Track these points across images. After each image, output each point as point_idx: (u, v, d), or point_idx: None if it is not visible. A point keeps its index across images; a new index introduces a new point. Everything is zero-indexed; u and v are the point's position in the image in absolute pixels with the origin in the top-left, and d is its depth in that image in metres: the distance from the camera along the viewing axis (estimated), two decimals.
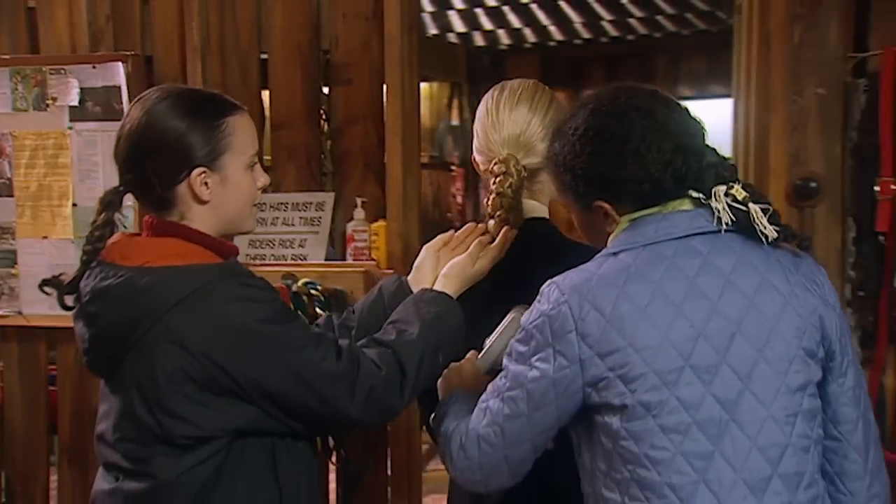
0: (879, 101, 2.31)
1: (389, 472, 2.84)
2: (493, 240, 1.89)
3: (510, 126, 1.87)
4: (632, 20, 6.10)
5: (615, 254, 1.55)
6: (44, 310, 3.03)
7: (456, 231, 1.98)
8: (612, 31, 6.30)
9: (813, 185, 2.35)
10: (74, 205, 3.00)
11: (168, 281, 1.60)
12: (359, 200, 2.86)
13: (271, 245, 2.97)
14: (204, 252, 1.67)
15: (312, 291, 2.70)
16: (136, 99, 1.72)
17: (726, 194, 1.53)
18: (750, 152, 2.54)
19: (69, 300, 1.73)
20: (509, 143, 1.87)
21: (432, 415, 1.82)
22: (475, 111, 2.04)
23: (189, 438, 1.61)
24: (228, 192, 1.69)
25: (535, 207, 1.91)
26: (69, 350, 3.11)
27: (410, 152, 2.78)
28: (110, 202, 1.72)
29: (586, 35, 6.37)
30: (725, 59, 6.36)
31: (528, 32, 6.43)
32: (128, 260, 1.64)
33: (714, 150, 1.59)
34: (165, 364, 1.57)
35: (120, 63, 2.94)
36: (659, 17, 6.09)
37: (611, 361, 1.49)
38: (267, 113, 3.10)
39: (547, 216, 1.94)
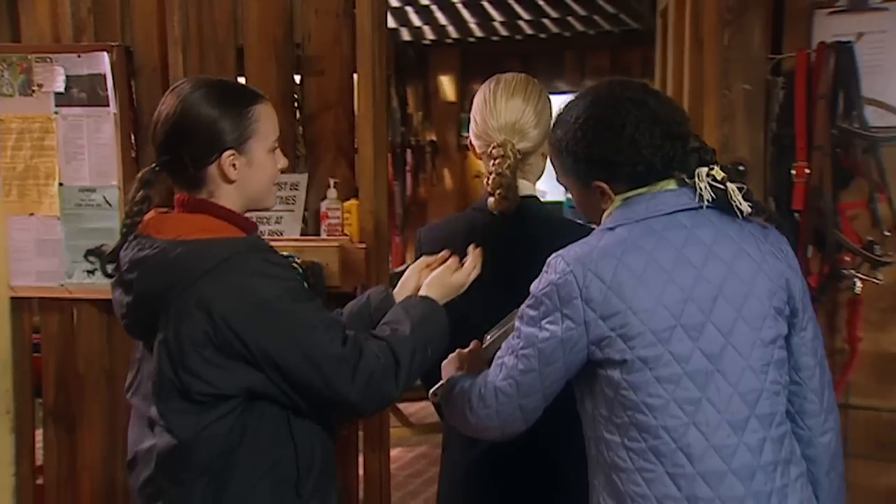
0: (794, 96, 2.53)
1: (361, 431, 3.03)
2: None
3: (506, 114, 2.05)
4: (545, 20, 6.34)
5: (612, 228, 1.66)
6: (29, 281, 3.13)
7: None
8: (528, 30, 6.52)
9: (741, 168, 2.53)
10: (61, 184, 3.09)
11: (198, 252, 1.69)
12: (331, 181, 3.01)
13: None
14: (230, 227, 1.77)
15: (293, 264, 2.86)
16: (170, 89, 1.82)
17: (707, 175, 1.64)
18: None
19: (110, 268, 1.82)
20: (505, 130, 2.04)
21: (433, 387, 1.98)
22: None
23: (206, 396, 1.69)
24: (253, 172, 1.80)
25: (527, 186, 2.09)
26: (53, 319, 3.21)
27: (380, 137, 2.95)
28: (147, 181, 1.80)
29: (504, 32, 6.58)
30: (626, 57, 6.73)
31: (451, 29, 6.62)
32: (162, 233, 1.74)
33: (696, 136, 1.69)
34: (191, 327, 1.66)
35: (105, 53, 3.04)
36: (570, 18, 6.35)
37: (612, 322, 1.59)
38: None
39: (534, 192, 2.13)
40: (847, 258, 2.51)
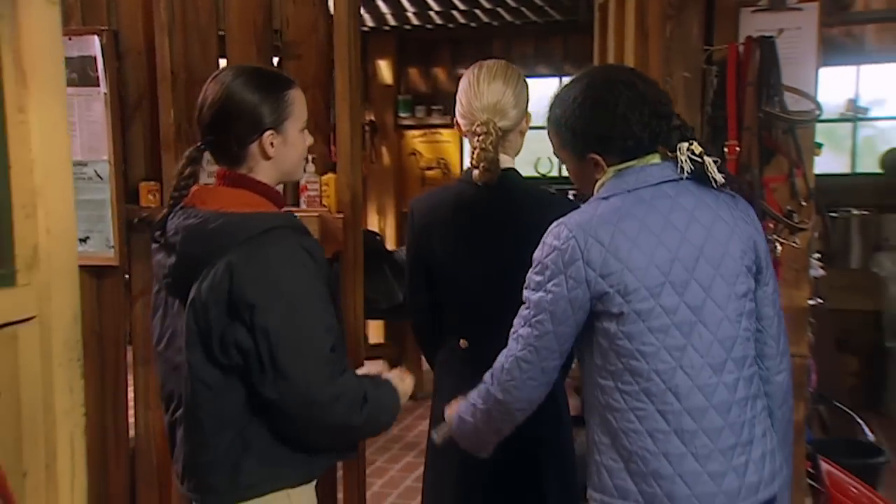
0: (726, 83, 2.75)
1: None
2: None
3: (489, 96, 2.26)
4: (477, 10, 6.55)
5: (606, 198, 1.80)
6: None
7: None
8: (460, 19, 6.72)
9: None
10: None
11: (237, 224, 1.81)
12: (309, 157, 3.18)
13: None
14: (266, 202, 1.89)
15: None
16: (212, 77, 1.94)
17: (688, 149, 1.79)
18: None
19: (157, 236, 1.94)
20: (488, 110, 2.25)
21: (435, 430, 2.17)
22: None
23: (222, 348, 1.79)
24: (288, 149, 1.92)
25: (507, 160, 2.31)
26: None
27: (356, 116, 3.12)
28: (194, 158, 1.93)
29: (438, 21, 6.77)
30: (549, 45, 6.98)
31: (389, 17, 6.79)
32: (206, 205, 1.86)
33: (678, 115, 1.85)
34: (217, 286, 1.77)
35: (96, 36, 3.15)
36: (499, 9, 6.58)
37: (611, 280, 1.72)
38: None
39: (513, 165, 2.34)
40: (770, 225, 2.72)
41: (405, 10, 6.54)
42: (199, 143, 1.94)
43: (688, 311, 1.75)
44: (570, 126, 1.87)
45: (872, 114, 7.07)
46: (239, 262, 1.76)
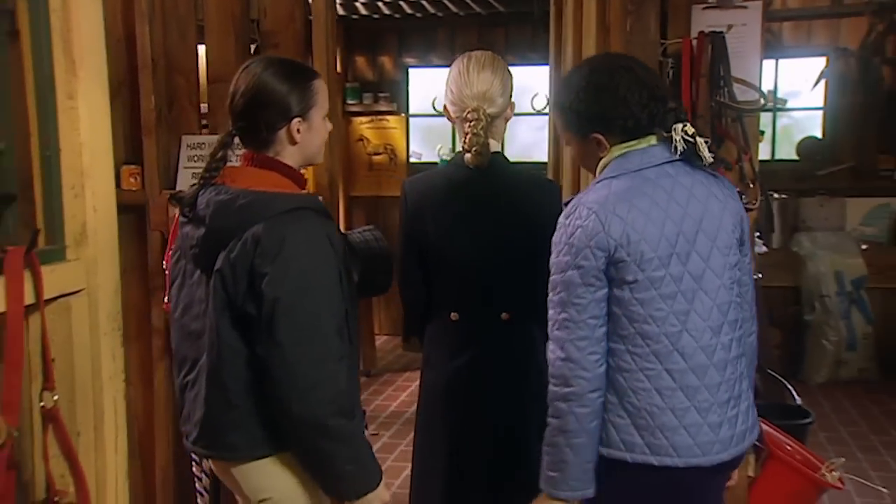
0: (681, 75, 2.90)
1: None
2: None
3: (478, 85, 2.37)
4: (423, 1, 6.64)
5: (615, 177, 1.90)
6: None
7: None
8: (407, 9, 6.80)
9: None
10: None
11: (265, 201, 1.89)
12: None
13: None
14: (290, 184, 1.98)
15: None
16: (243, 67, 2.01)
17: (682, 129, 1.90)
18: None
19: (186, 211, 2.01)
20: (478, 98, 2.36)
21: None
22: None
23: (240, 313, 1.88)
24: (312, 135, 2.01)
25: (494, 144, 2.43)
26: None
27: (333, 102, 3.22)
28: (226, 143, 2.00)
29: (386, 11, 6.84)
30: (491, 35, 7.11)
31: (337, 6, 6.81)
32: (236, 183, 1.95)
33: (672, 98, 1.97)
34: (242, 255, 1.85)
35: None
36: (444, 0, 6.68)
37: (628, 249, 1.83)
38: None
39: (500, 149, 2.46)
40: None
41: (354, 0, 6.59)
42: (230, 129, 2.01)
43: (691, 280, 1.88)
44: (574, 108, 1.97)
45: (789, 105, 7.38)
46: (263, 235, 1.85)
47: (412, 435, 2.65)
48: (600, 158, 1.99)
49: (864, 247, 6.21)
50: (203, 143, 3.30)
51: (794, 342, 6.12)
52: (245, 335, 1.90)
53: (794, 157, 7.08)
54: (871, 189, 6.59)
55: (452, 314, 2.45)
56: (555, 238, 1.91)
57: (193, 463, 3.18)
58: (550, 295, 1.92)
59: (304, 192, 2.03)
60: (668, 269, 1.86)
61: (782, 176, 6.60)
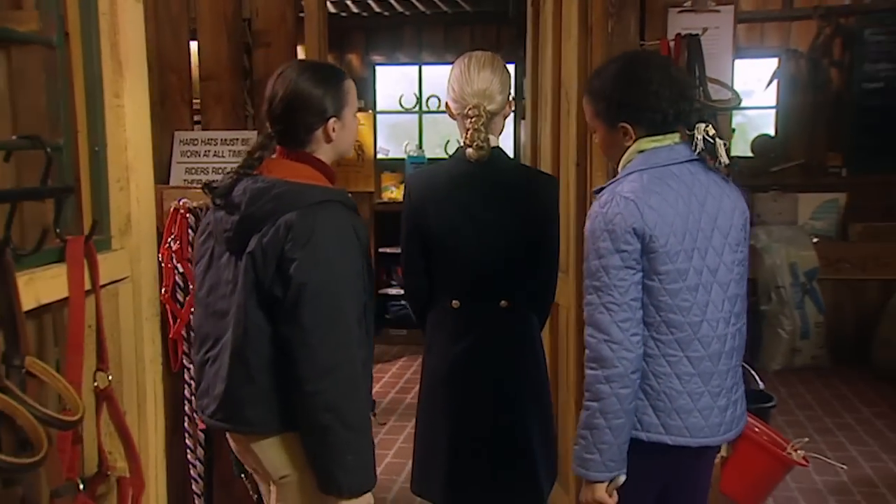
0: None
1: None
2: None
3: (479, 83, 2.48)
4: (391, 0, 6.74)
5: (645, 170, 1.98)
6: None
7: None
8: (375, 8, 6.89)
9: None
10: None
11: (298, 192, 1.98)
12: None
13: (205, 172, 3.37)
14: (323, 178, 2.06)
15: None
16: (278, 72, 2.09)
17: (704, 129, 1.98)
18: (580, 106, 2.92)
19: (219, 200, 2.07)
20: (478, 95, 2.47)
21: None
22: None
23: (267, 295, 1.95)
24: (346, 132, 2.11)
25: (493, 140, 2.53)
26: None
27: None
28: (265, 144, 2.08)
29: (354, 10, 6.92)
30: (457, 33, 7.22)
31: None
32: (272, 174, 2.04)
33: (699, 100, 2.06)
34: (273, 241, 1.93)
35: None
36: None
37: (661, 240, 1.92)
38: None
39: (499, 145, 2.56)
40: None
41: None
42: (269, 132, 2.09)
43: (709, 273, 1.99)
44: (607, 97, 2.06)
45: (743, 104, 7.60)
46: (295, 223, 1.93)
47: (410, 428, 2.73)
48: (625, 148, 2.07)
49: (814, 240, 6.45)
50: (195, 139, 3.37)
51: (751, 331, 6.31)
52: (270, 315, 1.98)
53: (749, 153, 7.31)
54: (820, 185, 6.85)
55: (454, 301, 2.56)
56: (589, 227, 1.98)
57: (188, 450, 3.25)
58: (588, 281, 1.98)
59: (334, 186, 2.11)
60: (692, 262, 1.96)
61: (738, 172, 6.80)
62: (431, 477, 2.65)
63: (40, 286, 1.45)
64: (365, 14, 6.99)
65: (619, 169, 2.10)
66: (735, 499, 3.40)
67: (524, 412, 2.57)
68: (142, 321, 1.77)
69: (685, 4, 3.24)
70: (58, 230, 1.54)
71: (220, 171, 3.34)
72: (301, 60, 2.25)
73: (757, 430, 3.76)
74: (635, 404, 1.98)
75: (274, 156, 2.13)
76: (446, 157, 7.45)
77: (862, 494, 4.02)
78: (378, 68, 7.54)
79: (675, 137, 2.05)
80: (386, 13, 6.96)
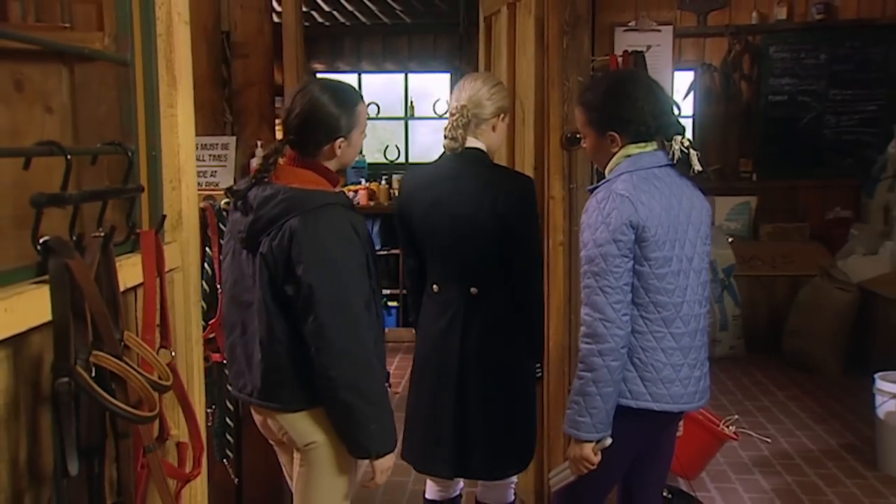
0: None
1: None
2: None
3: (468, 91, 2.76)
4: (334, 11, 6.92)
5: (633, 172, 2.22)
6: None
7: None
8: (317, 18, 7.07)
9: (578, 136, 3.06)
10: None
11: (304, 196, 2.19)
12: (258, 142, 3.57)
13: None
14: (326, 183, 2.26)
15: None
16: (300, 88, 2.29)
17: (680, 141, 2.27)
18: (537, 116, 3.44)
19: (239, 203, 2.28)
20: (465, 99, 2.75)
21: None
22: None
23: (280, 291, 2.17)
24: (350, 150, 2.31)
25: (476, 142, 2.78)
26: None
27: None
28: (278, 150, 2.29)
29: None
30: (395, 43, 7.45)
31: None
32: (281, 180, 2.25)
33: (676, 116, 2.31)
34: (281, 242, 2.15)
35: None
36: (352, 10, 6.99)
37: (651, 231, 2.17)
38: None
39: (483, 149, 2.80)
40: None
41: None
42: (283, 139, 2.30)
43: (686, 261, 2.27)
44: (598, 108, 2.31)
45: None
46: (298, 227, 2.14)
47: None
48: (611, 154, 2.32)
49: (729, 240, 6.89)
50: None
51: None
52: (287, 309, 2.20)
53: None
54: (734, 189, 7.33)
55: (434, 286, 2.85)
56: (587, 220, 2.22)
57: None
58: (587, 267, 2.21)
59: (334, 189, 2.32)
60: (674, 250, 2.23)
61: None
62: (414, 445, 2.92)
63: (123, 273, 1.64)
64: (307, 24, 7.13)
65: (607, 172, 2.36)
66: (677, 471, 3.75)
67: (489, 388, 2.81)
68: (190, 306, 1.97)
69: (629, 24, 3.57)
70: (130, 224, 1.74)
71: (201, 173, 3.51)
72: (324, 79, 2.43)
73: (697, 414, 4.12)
74: (623, 375, 2.24)
75: (283, 160, 2.33)
76: (386, 161, 7.77)
77: (781, 465, 4.43)
78: (319, 77, 7.70)
79: (655, 145, 2.32)
80: (327, 23, 7.15)
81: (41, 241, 1.37)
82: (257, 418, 2.42)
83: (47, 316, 1.36)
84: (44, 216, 1.39)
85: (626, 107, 2.27)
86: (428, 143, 7.89)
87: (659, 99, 2.30)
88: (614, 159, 2.33)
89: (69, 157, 1.42)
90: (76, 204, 1.46)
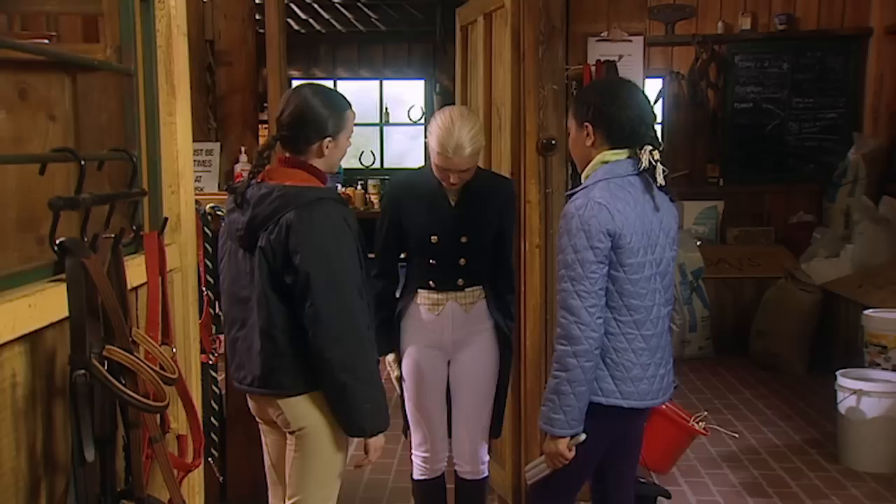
0: None
1: None
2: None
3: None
4: (309, 19, 7.00)
5: (609, 180, 2.29)
6: None
7: None
8: (294, 25, 7.13)
9: (553, 142, 3.38)
10: None
11: (296, 193, 2.28)
12: (242, 148, 3.65)
13: None
14: (316, 181, 2.35)
15: (218, 213, 3.42)
16: (294, 89, 2.40)
17: (650, 153, 2.29)
18: (514, 122, 3.52)
19: (238, 199, 2.33)
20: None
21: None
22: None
23: (279, 283, 2.25)
24: (336, 152, 2.40)
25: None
26: None
27: None
28: (270, 145, 2.41)
29: None
30: (371, 51, 7.54)
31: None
32: (273, 179, 2.34)
33: (654, 127, 2.37)
34: (278, 237, 2.22)
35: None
36: (328, 17, 7.06)
37: (625, 238, 2.23)
38: None
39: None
40: None
41: None
42: (275, 135, 2.41)
43: (656, 266, 2.35)
44: (585, 101, 2.42)
45: None
46: (294, 221, 2.23)
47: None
48: (587, 152, 2.40)
49: (698, 243, 7.03)
50: None
51: None
52: (286, 298, 2.29)
53: None
54: (701, 193, 7.47)
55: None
56: (566, 226, 2.28)
57: None
58: (564, 271, 2.28)
59: (324, 186, 2.41)
60: (647, 256, 2.31)
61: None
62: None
63: (128, 273, 1.72)
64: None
65: (584, 177, 2.45)
66: (648, 466, 3.86)
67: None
68: (188, 305, 2.05)
69: (602, 34, 3.68)
70: (134, 226, 1.82)
71: None
72: (316, 84, 2.53)
73: (665, 406, 4.24)
74: (595, 374, 2.33)
75: (275, 163, 2.42)
76: (361, 167, 7.83)
77: (748, 461, 4.56)
78: (294, 83, 7.76)
79: (628, 153, 2.37)
80: (303, 31, 7.21)
81: (58, 241, 1.45)
82: (252, 405, 2.49)
83: (63, 312, 1.44)
84: (43, 218, 1.46)
85: (606, 102, 2.36)
86: (402, 149, 7.99)
87: (642, 109, 2.38)
88: (591, 165, 2.40)
89: (83, 162, 1.50)
90: (88, 207, 1.54)
